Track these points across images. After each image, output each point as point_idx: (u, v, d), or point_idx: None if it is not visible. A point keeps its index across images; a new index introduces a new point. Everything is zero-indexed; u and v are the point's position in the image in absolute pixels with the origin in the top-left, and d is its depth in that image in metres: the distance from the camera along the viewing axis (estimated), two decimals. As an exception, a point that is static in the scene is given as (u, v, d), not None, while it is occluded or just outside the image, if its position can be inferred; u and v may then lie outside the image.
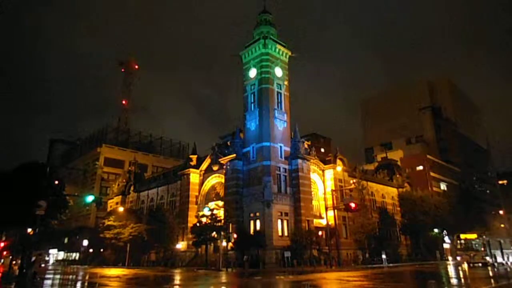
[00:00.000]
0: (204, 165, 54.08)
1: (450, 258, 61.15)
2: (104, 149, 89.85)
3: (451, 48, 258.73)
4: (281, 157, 45.30)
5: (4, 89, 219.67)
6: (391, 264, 44.51)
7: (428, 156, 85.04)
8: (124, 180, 72.65)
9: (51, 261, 78.40)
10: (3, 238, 50.24)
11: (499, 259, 50.44)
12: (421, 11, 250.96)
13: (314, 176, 50.10)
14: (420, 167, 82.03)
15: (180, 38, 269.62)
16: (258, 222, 42.37)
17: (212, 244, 43.99)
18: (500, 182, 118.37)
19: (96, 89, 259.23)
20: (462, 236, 63.18)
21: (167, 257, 51.23)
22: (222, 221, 41.56)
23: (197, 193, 53.67)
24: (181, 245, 50.75)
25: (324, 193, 50.37)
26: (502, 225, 61.38)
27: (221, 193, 49.21)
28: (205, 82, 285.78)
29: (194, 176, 54.21)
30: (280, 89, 48.68)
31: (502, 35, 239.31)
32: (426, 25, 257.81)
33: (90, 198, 27.75)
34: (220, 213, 44.76)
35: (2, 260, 55.83)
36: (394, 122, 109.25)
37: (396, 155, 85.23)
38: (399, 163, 77.94)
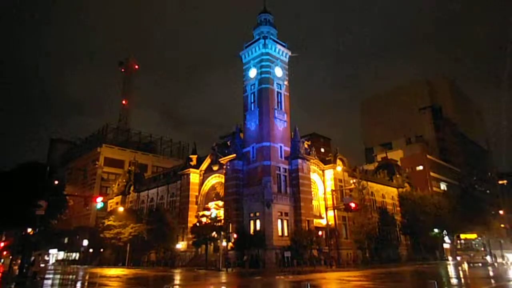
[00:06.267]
0: (204, 165, 54.07)
1: (450, 258, 61.10)
2: (104, 149, 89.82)
3: (451, 47, 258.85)
4: (281, 157, 45.28)
5: (3, 89, 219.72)
6: (391, 264, 44.47)
7: (428, 156, 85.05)
8: (124, 180, 72.61)
9: (51, 261, 78.41)
10: (3, 238, 50.29)
11: (499, 259, 50.36)
12: (417, 11, 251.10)
13: (314, 176, 50.08)
14: (420, 167, 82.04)
15: (176, 39, 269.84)
16: (258, 222, 42.36)
17: (212, 244, 43.95)
18: (500, 182, 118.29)
19: (96, 89, 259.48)
20: (462, 236, 63.08)
21: (167, 257, 51.20)
22: (222, 221, 41.55)
23: (197, 193, 53.67)
24: (181, 245, 50.73)
25: (324, 193, 50.36)
26: (502, 225, 61.26)
27: (221, 193, 49.19)
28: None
29: (194, 176, 54.19)
30: (280, 89, 48.65)
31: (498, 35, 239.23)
32: (423, 24, 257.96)
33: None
34: (220, 213, 44.79)
35: (2, 260, 55.88)
36: (394, 122, 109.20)
37: (396, 155, 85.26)
38: (399, 163, 77.96)
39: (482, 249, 60.71)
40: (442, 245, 63.79)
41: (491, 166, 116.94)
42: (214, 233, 40.79)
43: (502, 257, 51.83)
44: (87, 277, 31.32)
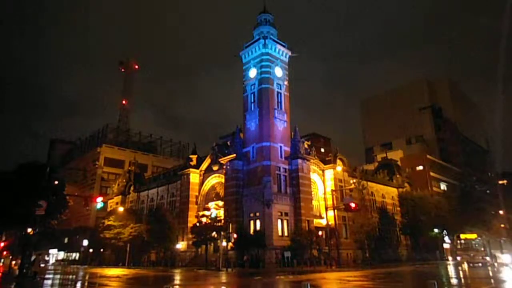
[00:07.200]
0: (204, 165, 54.09)
1: (450, 258, 61.08)
2: (104, 149, 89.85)
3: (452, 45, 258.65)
4: (281, 157, 45.28)
5: (3, 89, 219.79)
6: (391, 264, 44.47)
7: (428, 156, 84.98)
8: (124, 180, 72.64)
9: (51, 261, 78.43)
10: (3, 238, 50.28)
11: (499, 259, 50.30)
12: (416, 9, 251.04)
13: (314, 176, 50.08)
14: (420, 167, 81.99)
15: (176, 39, 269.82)
16: (258, 222, 42.36)
17: (212, 244, 44.00)
18: (500, 182, 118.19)
19: (96, 89, 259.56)
20: (462, 236, 62.94)
21: (167, 257, 51.22)
22: (222, 221, 41.57)
23: (197, 193, 53.67)
24: (181, 245, 50.75)
25: (324, 193, 50.36)
26: (502, 225, 61.20)
27: (221, 193, 49.20)
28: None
29: (194, 176, 54.21)
30: (280, 89, 48.66)
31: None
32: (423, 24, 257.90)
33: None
34: (220, 213, 44.79)
35: (2, 260, 55.87)
36: (394, 122, 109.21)
37: (396, 155, 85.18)
38: (399, 163, 77.89)
39: (482, 249, 60.51)
40: (442, 245, 63.79)
41: (491, 166, 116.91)
42: (214, 233, 40.82)
43: (495, 257, 51.71)
44: (87, 277, 31.33)
